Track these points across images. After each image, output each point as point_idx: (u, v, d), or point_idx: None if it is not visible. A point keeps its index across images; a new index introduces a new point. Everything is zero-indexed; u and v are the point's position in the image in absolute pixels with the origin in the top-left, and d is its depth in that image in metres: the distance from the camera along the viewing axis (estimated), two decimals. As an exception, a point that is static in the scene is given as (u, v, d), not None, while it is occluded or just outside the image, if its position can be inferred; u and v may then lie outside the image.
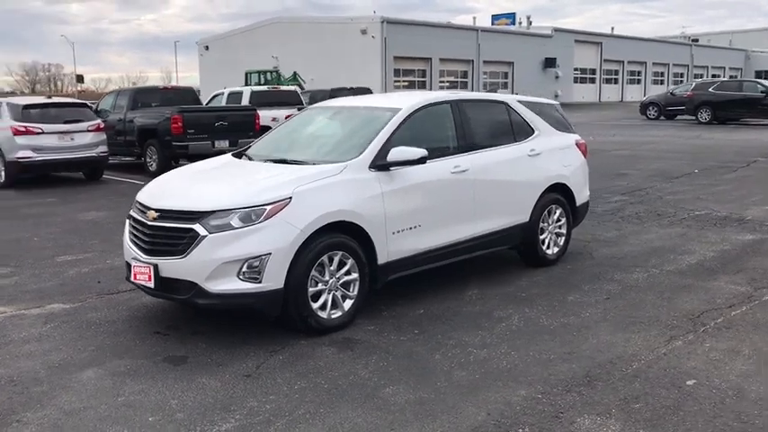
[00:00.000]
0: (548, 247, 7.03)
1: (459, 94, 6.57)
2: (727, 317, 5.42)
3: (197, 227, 4.86)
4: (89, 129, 14.24)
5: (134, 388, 4.31)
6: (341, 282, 5.24)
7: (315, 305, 5.08)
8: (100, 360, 4.79)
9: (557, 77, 53.51)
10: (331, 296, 5.19)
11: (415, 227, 5.68)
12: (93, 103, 16.49)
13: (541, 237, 6.94)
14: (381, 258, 5.46)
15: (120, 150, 16.30)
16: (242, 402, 4.08)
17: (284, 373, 4.49)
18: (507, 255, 7.18)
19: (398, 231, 5.55)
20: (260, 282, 4.81)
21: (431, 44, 44.77)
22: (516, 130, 6.81)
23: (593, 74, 60.04)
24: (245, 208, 4.87)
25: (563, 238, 7.18)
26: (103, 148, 14.49)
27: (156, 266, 5.00)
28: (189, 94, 17.60)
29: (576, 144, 7.41)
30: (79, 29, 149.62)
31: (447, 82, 48.34)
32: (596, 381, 4.28)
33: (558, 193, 7.07)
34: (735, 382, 4.22)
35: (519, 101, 6.97)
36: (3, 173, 13.83)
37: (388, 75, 42.93)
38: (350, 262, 5.26)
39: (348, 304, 5.30)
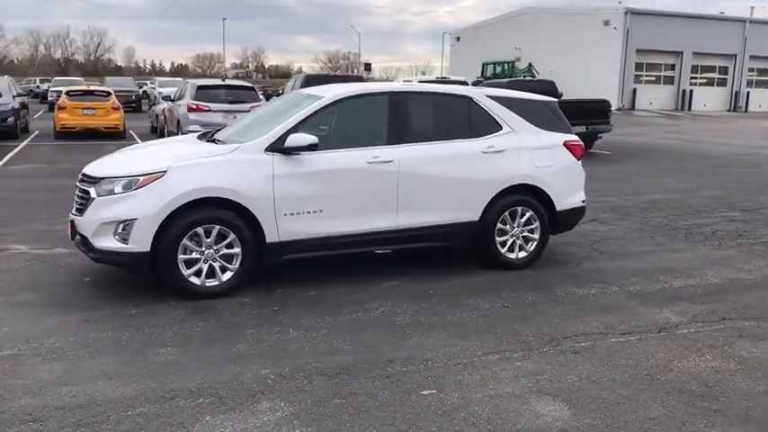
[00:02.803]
0: (510, 251, 6.72)
1: (410, 87, 6.56)
2: (599, 343, 4.91)
3: (92, 190, 5.65)
4: (251, 109, 15.89)
5: (1, 315, 5.24)
6: (220, 254, 5.69)
7: (187, 271, 5.61)
8: (15, 292, 5.82)
9: None
10: (207, 266, 5.67)
11: (316, 211, 5.90)
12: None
13: (500, 239, 6.66)
14: (270, 237, 5.80)
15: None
16: (44, 338, 4.79)
17: (112, 323, 5.11)
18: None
19: (293, 214, 5.82)
20: (128, 243, 5.46)
21: (682, 36, 41.31)
22: (476, 126, 6.60)
23: None
24: (127, 177, 5.55)
25: (534, 243, 6.80)
26: (263, 127, 16.08)
27: (72, 222, 5.90)
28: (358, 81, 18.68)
29: (566, 145, 6.91)
30: (383, 20, 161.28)
31: (703, 78, 44.29)
32: (320, 376, 4.27)
33: (528, 195, 6.71)
34: (469, 400, 3.97)
35: (489, 95, 6.72)
36: (180, 143, 16.06)
37: (627, 68, 40.57)
38: (231, 236, 5.68)
39: (228, 275, 5.73)
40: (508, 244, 6.72)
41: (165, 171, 5.51)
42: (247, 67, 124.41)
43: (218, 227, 5.63)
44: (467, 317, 5.39)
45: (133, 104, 34.77)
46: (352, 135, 6.27)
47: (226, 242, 5.69)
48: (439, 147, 6.37)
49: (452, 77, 21.87)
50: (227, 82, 17.18)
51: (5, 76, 21.68)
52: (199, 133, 7.10)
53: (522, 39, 45.71)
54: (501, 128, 6.66)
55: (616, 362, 4.56)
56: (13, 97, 20.32)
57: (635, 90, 41.32)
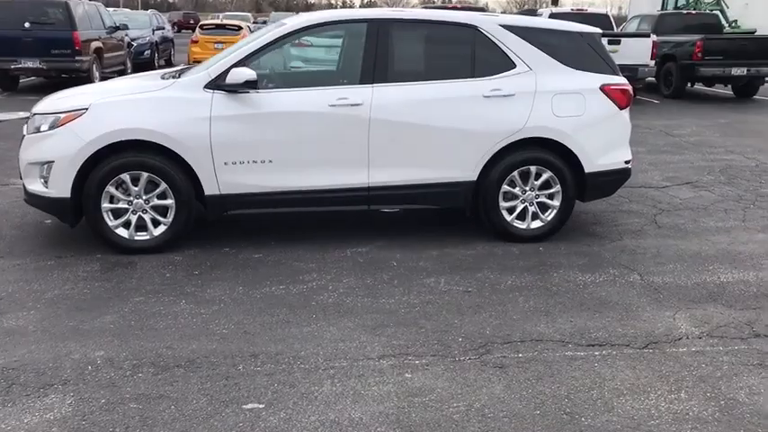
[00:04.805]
0: (521, 219, 5.49)
1: (396, 13, 5.39)
2: (545, 355, 3.72)
3: (24, 127, 5.18)
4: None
5: None
6: (151, 205, 5.04)
7: (114, 222, 5.02)
8: (-41, 232, 5.56)
9: None
10: (137, 217, 5.05)
11: (264, 161, 5.06)
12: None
13: (507, 204, 5.45)
14: (209, 189, 5.06)
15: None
16: (-75, 288, 4.41)
17: (12, 275, 4.66)
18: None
19: (235, 163, 5.03)
20: (48, 187, 4.95)
21: None
22: (480, 63, 5.34)
23: None
24: (53, 114, 5.00)
25: (553, 211, 5.50)
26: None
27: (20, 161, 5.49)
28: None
29: (605, 90, 5.45)
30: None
31: None
32: (152, 367, 3.49)
33: (545, 152, 5.40)
34: (292, 425, 3.04)
35: (502, 24, 5.38)
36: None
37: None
38: (162, 186, 5.00)
39: (160, 230, 5.09)
40: (518, 211, 5.45)
41: (87, 108, 4.88)
42: (434, 1, 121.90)
43: (146, 174, 4.95)
44: (406, 301, 4.34)
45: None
46: (316, 72, 5.31)
47: (157, 192, 5.00)
48: (424, 88, 5.20)
49: (590, 10, 19.34)
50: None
51: (150, 11, 22.41)
52: (177, 68, 6.39)
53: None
54: (514, 66, 5.33)
55: (543, 387, 3.36)
56: (153, 31, 20.95)
57: None
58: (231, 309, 4.19)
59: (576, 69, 5.43)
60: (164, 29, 22.50)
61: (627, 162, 5.62)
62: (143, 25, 20.51)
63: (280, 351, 3.67)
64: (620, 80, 5.50)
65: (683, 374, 3.50)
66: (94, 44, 15.17)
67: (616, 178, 5.62)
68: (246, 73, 4.83)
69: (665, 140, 10.13)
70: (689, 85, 15.90)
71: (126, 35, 17.91)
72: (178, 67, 6.30)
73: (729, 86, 16.23)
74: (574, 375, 3.47)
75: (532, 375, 3.47)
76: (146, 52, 19.93)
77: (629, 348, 3.78)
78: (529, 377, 3.45)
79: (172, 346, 3.71)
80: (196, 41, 20.55)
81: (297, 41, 7.02)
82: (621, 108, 5.48)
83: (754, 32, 24.73)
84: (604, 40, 13.61)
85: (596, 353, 3.72)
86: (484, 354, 3.68)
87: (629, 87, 5.54)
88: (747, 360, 3.67)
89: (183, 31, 47.49)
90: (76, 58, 14.34)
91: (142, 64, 19.36)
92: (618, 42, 14.08)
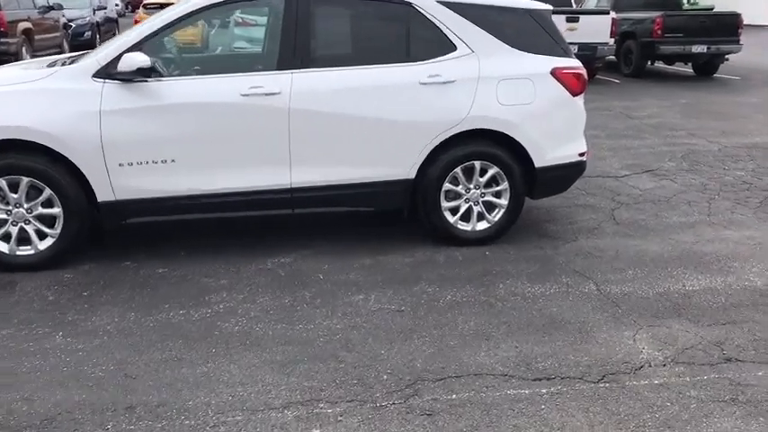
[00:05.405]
0: (465, 220, 4.89)
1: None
2: (484, 396, 3.12)
3: None
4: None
5: None
6: (35, 214, 4.32)
7: (-12, 236, 4.29)
8: None
9: None
10: (18, 229, 4.32)
11: (165, 161, 4.37)
12: None
13: (449, 204, 4.84)
14: (102, 195, 4.36)
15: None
16: None
17: None
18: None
19: (131, 164, 4.33)
20: None
21: None
22: (416, 46, 4.70)
23: None
24: None
25: (501, 211, 4.91)
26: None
27: None
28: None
29: (556, 74, 4.84)
30: None
31: None
32: (28, 428, 2.81)
33: (491, 145, 4.79)
34: None
35: (441, 1, 4.73)
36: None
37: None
38: (47, 192, 4.28)
39: (47, 243, 4.39)
40: (462, 211, 4.85)
41: (-49, 104, 4.13)
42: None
43: (26, 179, 4.23)
44: (327, 327, 3.71)
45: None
46: (226, 56, 4.61)
47: (41, 199, 4.29)
48: (352, 75, 4.55)
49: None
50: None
51: (89, -12, 21.14)
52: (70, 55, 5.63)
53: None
54: (455, 48, 4.70)
55: (477, 443, 2.75)
56: (94, 11, 19.84)
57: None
58: (115, 342, 3.52)
59: (524, 51, 4.83)
60: (105, 8, 21.34)
61: (581, 155, 5.06)
62: (82, 5, 19.37)
63: (163, 401, 3.02)
64: (573, 63, 4.91)
65: (644, 418, 2.94)
66: (23, 25, 14.16)
67: (569, 173, 5.05)
68: (139, 59, 4.14)
69: (626, 123, 9.63)
70: (649, 63, 15.46)
71: (62, 15, 16.86)
72: (73, 54, 5.53)
73: (690, 64, 15.83)
74: (516, 423, 2.89)
75: (466, 425, 2.87)
76: (86, 33, 18.86)
77: (582, 383, 3.20)
78: (461, 428, 2.85)
79: (31, 397, 3.04)
80: (139, 22, 19.47)
81: (241, 20, 6.41)
82: (575, 94, 4.90)
83: (712, 9, 24.46)
84: (562, 18, 13.18)
85: (543, 390, 3.14)
86: (411, 396, 3.08)
87: (584, 71, 4.95)
88: (718, 394, 3.13)
89: (137, 10, 45.76)
90: (2, 39, 13.34)
91: (81, 45, 18.27)
92: (576, 20, 13.53)
